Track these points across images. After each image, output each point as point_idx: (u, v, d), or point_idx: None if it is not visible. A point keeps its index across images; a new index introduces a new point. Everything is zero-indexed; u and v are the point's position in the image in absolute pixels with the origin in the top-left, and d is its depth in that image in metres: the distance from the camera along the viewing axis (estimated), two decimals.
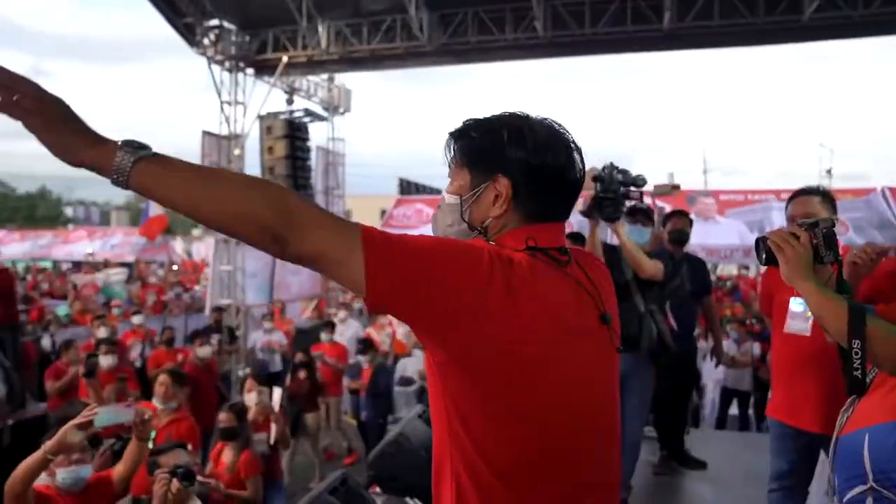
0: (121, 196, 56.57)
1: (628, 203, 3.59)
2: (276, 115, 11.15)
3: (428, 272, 1.06)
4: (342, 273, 1.06)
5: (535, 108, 1.26)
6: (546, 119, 1.27)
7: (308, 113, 11.62)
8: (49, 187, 56.48)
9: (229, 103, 9.95)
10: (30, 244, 27.38)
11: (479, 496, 1.13)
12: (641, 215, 3.99)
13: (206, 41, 9.53)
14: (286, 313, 12.26)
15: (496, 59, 10.05)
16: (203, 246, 23.51)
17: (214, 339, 9.03)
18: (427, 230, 1.36)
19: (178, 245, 25.30)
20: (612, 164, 3.51)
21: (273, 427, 4.86)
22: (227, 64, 9.82)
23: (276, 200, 1.02)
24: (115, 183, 1.02)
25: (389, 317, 10.18)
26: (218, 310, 9.49)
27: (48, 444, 2.58)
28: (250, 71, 10.22)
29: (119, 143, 1.02)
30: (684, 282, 4.25)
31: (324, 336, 7.59)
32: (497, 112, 1.29)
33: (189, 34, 9.45)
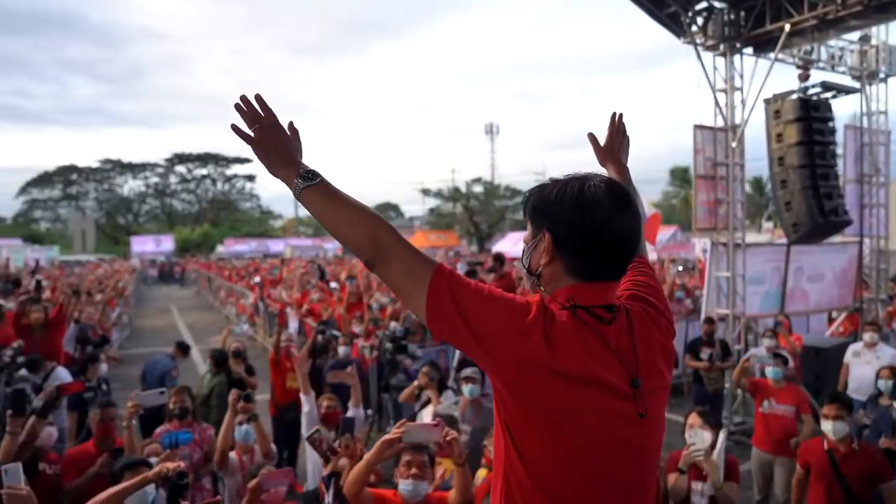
0: (657, 193, 59.11)
1: None
2: (785, 95, 9.55)
3: (478, 311, 1.32)
4: (409, 303, 1.40)
5: None
6: (599, 181, 1.43)
7: (828, 87, 9.62)
8: None
9: (724, 91, 8.89)
10: None
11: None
12: None
13: (693, 27, 8.71)
14: (804, 327, 10.46)
15: None
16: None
17: (705, 353, 8.20)
18: None
19: (698, 244, 24.69)
20: None
21: (708, 479, 3.87)
22: (720, 47, 8.78)
23: (374, 237, 1.38)
24: (295, 197, 1.45)
25: None
26: (710, 321, 8.56)
27: (368, 455, 2.88)
28: (748, 50, 8.93)
29: (300, 171, 1.45)
30: None
31: None
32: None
33: (674, 24, 8.78)
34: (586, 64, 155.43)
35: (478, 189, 50.78)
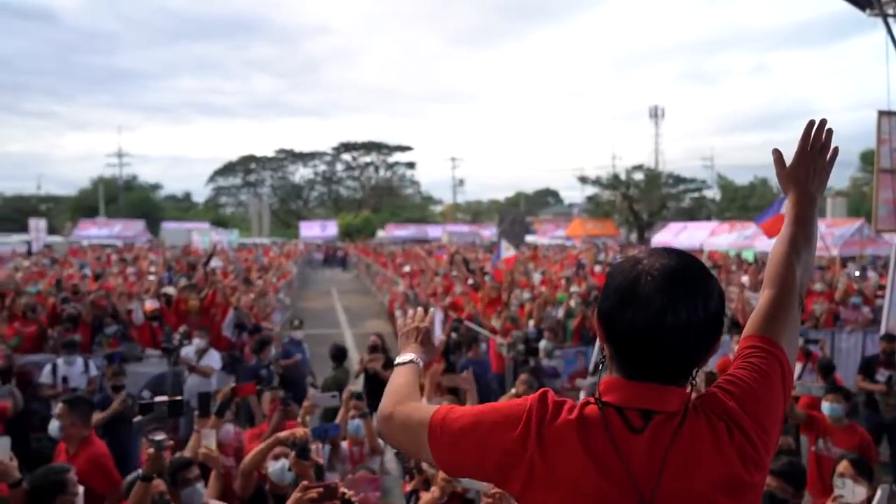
0: (844, 179, 53.02)
1: None
2: None
3: (472, 448, 1.29)
4: (420, 458, 1.69)
5: None
6: (649, 264, 1.23)
7: None
8: (762, 176, 57.15)
9: None
10: (736, 235, 28.55)
11: None
12: None
13: None
14: None
15: None
16: None
17: (882, 374, 7.16)
18: None
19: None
20: None
21: None
22: None
23: (387, 417, 1.50)
24: None
25: None
26: (890, 338, 7.45)
27: (434, 490, 3.05)
28: None
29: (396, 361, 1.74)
30: None
31: None
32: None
33: None
34: (762, 39, 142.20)
35: (638, 176, 48.71)
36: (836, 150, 1.61)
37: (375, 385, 7.44)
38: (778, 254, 1.48)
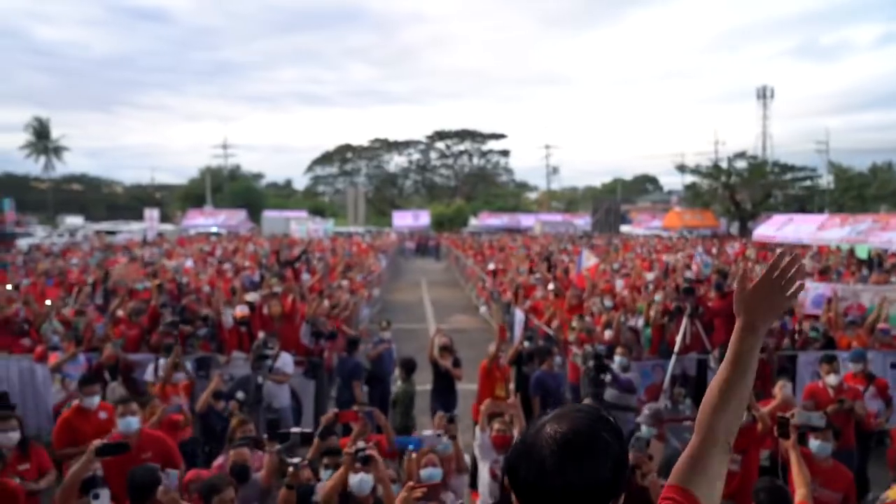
0: None
1: None
2: None
3: None
4: None
5: None
6: (556, 428, 1.37)
7: None
8: (883, 162, 51.82)
9: None
10: (848, 229, 26.55)
11: None
12: None
13: None
14: None
15: None
16: None
17: None
18: None
19: None
20: None
21: None
22: None
23: None
24: None
25: None
26: None
27: None
28: None
29: None
30: None
31: None
32: None
33: None
34: (889, 5, 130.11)
35: (741, 164, 46.17)
36: (800, 286, 1.60)
37: (445, 382, 7.81)
38: (707, 400, 1.54)
